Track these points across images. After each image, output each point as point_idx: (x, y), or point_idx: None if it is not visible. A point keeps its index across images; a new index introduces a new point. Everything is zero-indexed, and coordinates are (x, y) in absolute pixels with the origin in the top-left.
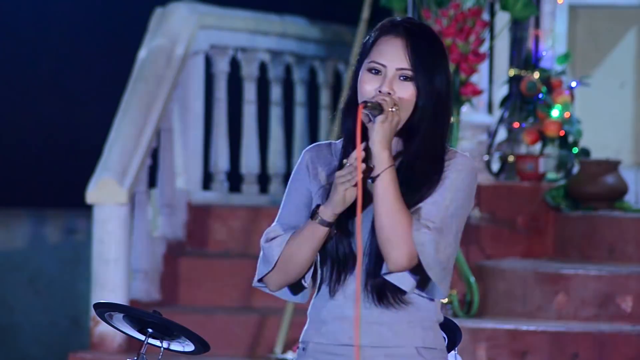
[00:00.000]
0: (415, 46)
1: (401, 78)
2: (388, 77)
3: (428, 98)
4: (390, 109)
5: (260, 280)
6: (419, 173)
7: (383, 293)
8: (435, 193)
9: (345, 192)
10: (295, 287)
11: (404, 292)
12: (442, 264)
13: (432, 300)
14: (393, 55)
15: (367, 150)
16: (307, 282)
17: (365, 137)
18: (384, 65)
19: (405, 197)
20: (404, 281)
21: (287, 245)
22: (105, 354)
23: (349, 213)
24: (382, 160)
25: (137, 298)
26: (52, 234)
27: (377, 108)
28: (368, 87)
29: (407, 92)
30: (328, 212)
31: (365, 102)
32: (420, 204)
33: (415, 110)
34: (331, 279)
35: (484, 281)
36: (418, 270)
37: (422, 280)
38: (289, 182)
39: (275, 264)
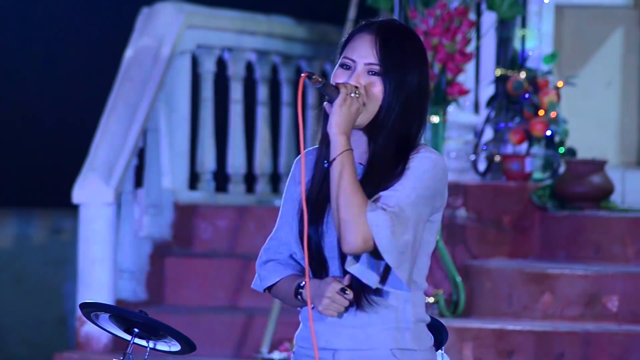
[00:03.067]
0: (385, 42)
1: (369, 73)
2: (357, 72)
3: (396, 95)
4: (349, 94)
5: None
6: (381, 167)
7: (358, 295)
8: (396, 183)
9: (323, 309)
10: None
11: (377, 294)
12: (399, 247)
13: (408, 300)
14: (362, 51)
15: (327, 135)
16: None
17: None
18: (353, 61)
19: (367, 188)
20: (368, 276)
21: (274, 287)
22: (91, 354)
23: (317, 219)
24: (338, 144)
25: (123, 298)
26: (38, 233)
27: (330, 88)
28: (338, 80)
29: (374, 87)
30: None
31: (309, 72)
32: (382, 192)
33: (382, 105)
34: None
35: (470, 281)
36: (377, 255)
37: (384, 273)
38: (285, 189)
39: (273, 287)
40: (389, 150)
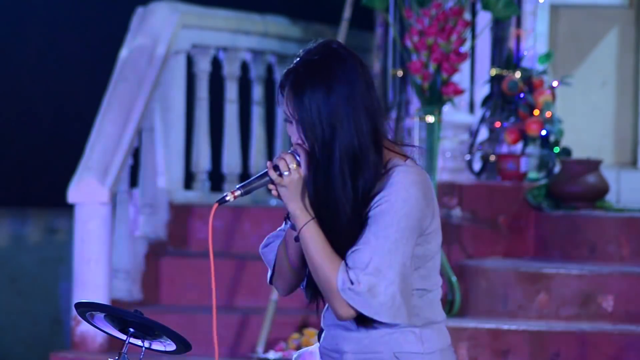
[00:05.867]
0: (288, 93)
1: (294, 123)
2: (294, 126)
3: (312, 137)
4: (281, 173)
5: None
6: (336, 213)
7: (361, 320)
8: (368, 231)
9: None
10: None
11: None
12: (387, 303)
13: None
14: (284, 103)
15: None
16: (303, 286)
17: None
18: (286, 113)
19: (337, 242)
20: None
21: (277, 253)
22: (86, 354)
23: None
24: (297, 218)
25: (118, 297)
26: (33, 233)
27: (255, 185)
28: (290, 135)
29: (297, 135)
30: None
31: (219, 200)
32: (354, 247)
33: (310, 152)
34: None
35: (466, 280)
36: None
37: None
38: None
39: (274, 269)
40: (333, 192)
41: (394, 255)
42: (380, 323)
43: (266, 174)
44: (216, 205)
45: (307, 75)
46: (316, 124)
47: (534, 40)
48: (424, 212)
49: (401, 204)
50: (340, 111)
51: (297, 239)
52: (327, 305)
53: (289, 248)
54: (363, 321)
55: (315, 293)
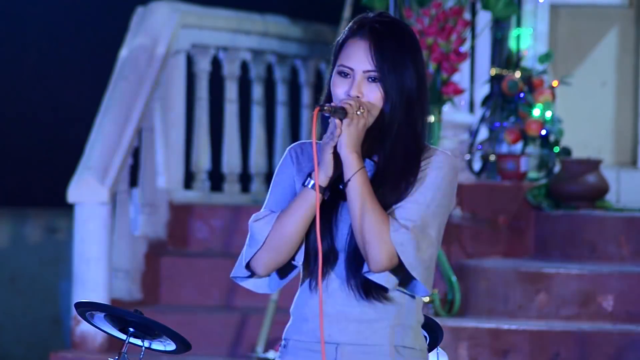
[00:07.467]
0: (379, 47)
1: (369, 80)
2: (356, 80)
3: (397, 97)
4: (356, 112)
5: (247, 265)
6: (395, 172)
7: (368, 290)
8: (416, 192)
9: (333, 151)
10: (284, 270)
11: (387, 289)
12: (425, 262)
13: (413, 299)
14: (358, 58)
15: (336, 153)
16: (298, 261)
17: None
18: (351, 69)
19: (384, 197)
20: (386, 279)
21: (278, 219)
22: (86, 353)
23: (330, 208)
24: (351, 163)
25: (118, 297)
26: (33, 233)
27: (338, 112)
28: (339, 90)
29: (375, 93)
30: (321, 176)
31: (321, 105)
32: (400, 203)
33: (385, 110)
34: (312, 275)
35: (466, 280)
36: (400, 270)
37: (404, 278)
38: (275, 174)
39: (265, 242)
40: (399, 154)
41: (436, 219)
42: (384, 313)
43: (342, 107)
44: (318, 109)
45: (405, 37)
46: (407, 82)
47: (533, 40)
48: (454, 194)
49: (448, 173)
50: (424, 75)
51: (343, 185)
52: (303, 293)
53: (298, 214)
54: (370, 293)
55: (329, 257)
